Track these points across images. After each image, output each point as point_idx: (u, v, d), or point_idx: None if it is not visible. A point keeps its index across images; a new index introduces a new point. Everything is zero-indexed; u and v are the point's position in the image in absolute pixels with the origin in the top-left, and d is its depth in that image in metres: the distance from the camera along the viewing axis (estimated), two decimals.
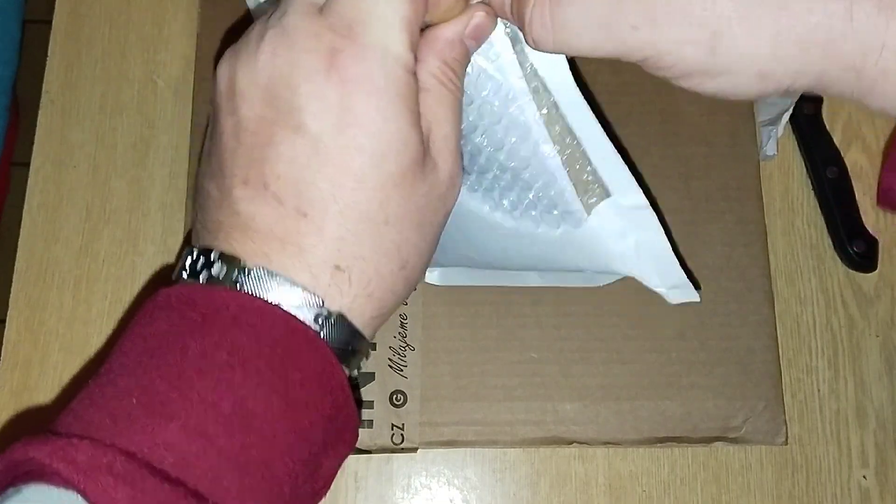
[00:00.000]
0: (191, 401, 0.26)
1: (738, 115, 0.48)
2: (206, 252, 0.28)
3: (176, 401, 0.26)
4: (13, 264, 0.47)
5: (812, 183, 0.50)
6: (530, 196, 0.35)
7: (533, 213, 0.36)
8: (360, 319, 0.29)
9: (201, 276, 0.28)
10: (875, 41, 0.26)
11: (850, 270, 0.48)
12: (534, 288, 0.45)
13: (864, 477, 0.45)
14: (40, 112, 0.49)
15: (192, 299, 0.28)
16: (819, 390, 0.47)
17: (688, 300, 0.36)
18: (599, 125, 0.33)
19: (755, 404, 0.44)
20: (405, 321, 0.44)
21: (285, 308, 0.27)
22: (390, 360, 0.44)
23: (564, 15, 0.28)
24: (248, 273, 0.28)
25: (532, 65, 0.32)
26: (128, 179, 0.48)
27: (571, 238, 0.36)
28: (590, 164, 0.34)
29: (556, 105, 0.33)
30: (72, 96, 0.49)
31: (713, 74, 0.29)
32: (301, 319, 0.27)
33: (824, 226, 0.49)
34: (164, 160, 0.48)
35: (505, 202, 0.36)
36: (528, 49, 0.32)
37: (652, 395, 0.44)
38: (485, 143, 0.34)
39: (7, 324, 0.46)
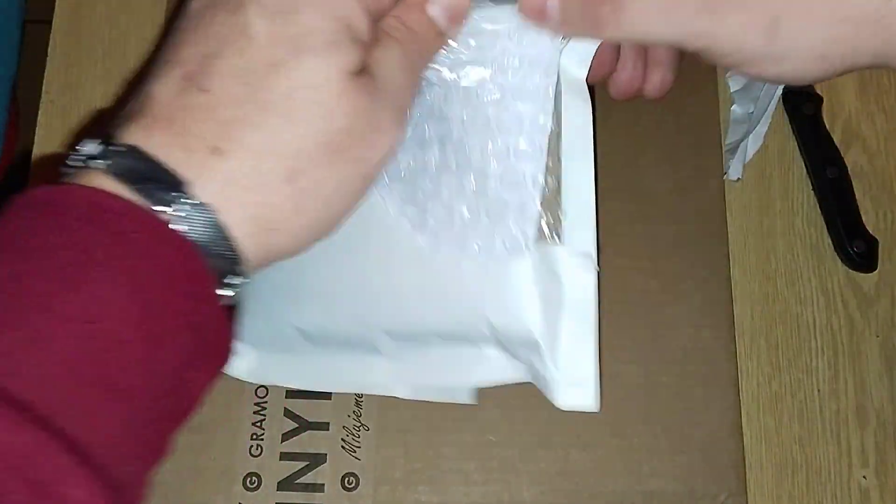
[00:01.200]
0: (25, 305, 0.24)
1: (708, 194, 0.47)
2: (100, 139, 0.27)
3: (9, 307, 0.24)
4: None
5: (812, 183, 0.50)
6: (473, 211, 0.34)
7: (465, 232, 0.34)
8: (231, 218, 0.27)
9: (79, 164, 0.27)
10: None
11: (850, 270, 0.48)
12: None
13: (864, 477, 0.45)
14: (40, 112, 0.49)
15: (43, 198, 0.26)
16: (819, 390, 0.47)
17: (580, 407, 0.33)
18: (593, 177, 0.33)
19: (717, 494, 0.43)
20: (360, 399, 0.43)
21: (144, 194, 0.26)
22: (343, 440, 0.43)
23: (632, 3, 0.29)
24: (116, 153, 0.26)
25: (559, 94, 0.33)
26: None
27: (492, 274, 0.34)
28: (560, 204, 0.33)
29: (558, 135, 0.33)
30: (72, 97, 0.49)
31: (774, 60, 0.29)
32: (160, 212, 0.26)
33: (824, 226, 0.49)
34: None
35: (431, 220, 0.34)
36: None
37: (612, 482, 0.43)
38: (459, 135, 0.33)
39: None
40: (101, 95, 0.50)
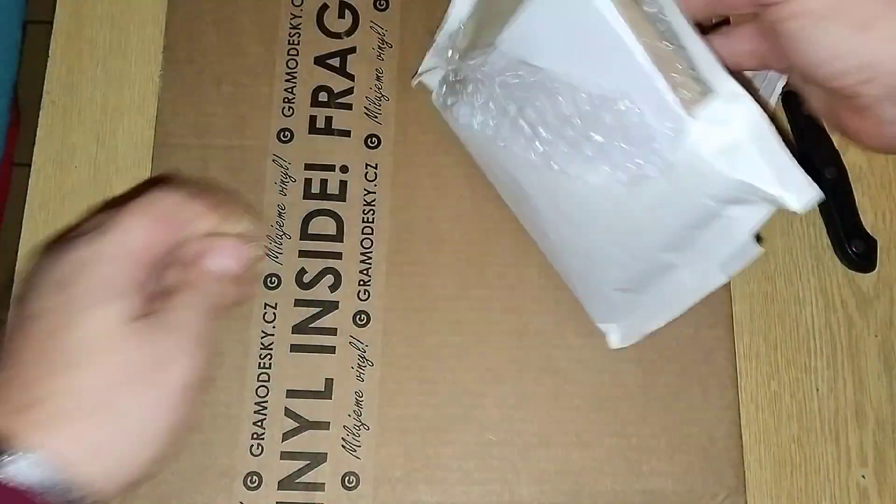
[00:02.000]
0: None
1: None
2: None
3: None
4: (14, 265, 0.47)
5: None
6: (615, 124, 0.34)
7: (622, 146, 0.35)
8: (63, 453, 0.30)
9: None
10: None
11: (849, 270, 0.48)
12: (492, 365, 0.44)
13: (863, 476, 0.45)
14: (41, 113, 0.49)
15: None
16: (818, 390, 0.47)
17: (811, 204, 0.33)
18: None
19: (716, 493, 0.43)
20: (360, 399, 0.44)
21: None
22: (343, 440, 0.43)
23: None
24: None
25: None
26: (129, 180, 0.48)
27: (670, 163, 0.34)
28: (684, 62, 0.33)
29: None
30: (73, 97, 0.50)
31: (821, 16, 0.32)
32: None
33: (823, 226, 0.49)
34: None
35: (588, 151, 0.36)
36: None
37: (612, 482, 0.43)
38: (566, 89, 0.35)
39: (9, 324, 0.46)
40: (101, 96, 0.50)
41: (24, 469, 0.29)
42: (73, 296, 0.33)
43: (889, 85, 0.32)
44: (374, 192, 0.47)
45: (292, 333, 0.44)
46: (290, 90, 0.48)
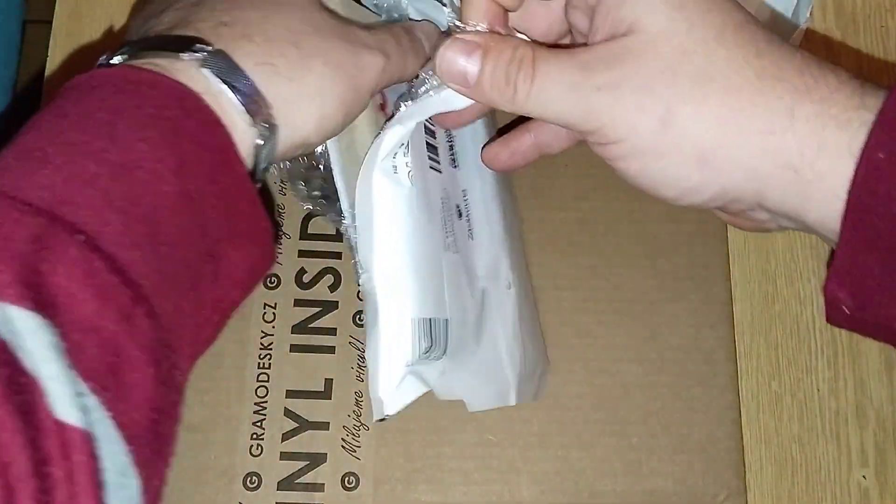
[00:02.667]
0: (67, 150, 0.26)
1: None
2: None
3: (52, 153, 0.26)
4: None
5: None
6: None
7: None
8: (246, 62, 0.29)
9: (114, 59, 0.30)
10: (812, 141, 0.27)
11: None
12: None
13: (864, 477, 0.45)
14: None
15: (80, 82, 0.29)
16: (818, 390, 0.47)
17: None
18: None
19: (717, 494, 0.43)
20: (360, 399, 0.43)
21: (166, 57, 0.29)
22: (343, 440, 0.43)
23: (544, 77, 0.30)
24: (138, 43, 0.30)
25: None
26: None
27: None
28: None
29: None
30: None
31: (658, 155, 0.29)
32: (186, 83, 0.28)
33: None
34: None
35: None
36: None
37: (612, 482, 0.43)
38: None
39: None
40: None
41: (214, 62, 0.29)
42: None
43: (751, 201, 0.30)
44: None
45: (292, 333, 0.44)
46: None
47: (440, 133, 0.40)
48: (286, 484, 0.42)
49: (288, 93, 0.30)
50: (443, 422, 0.44)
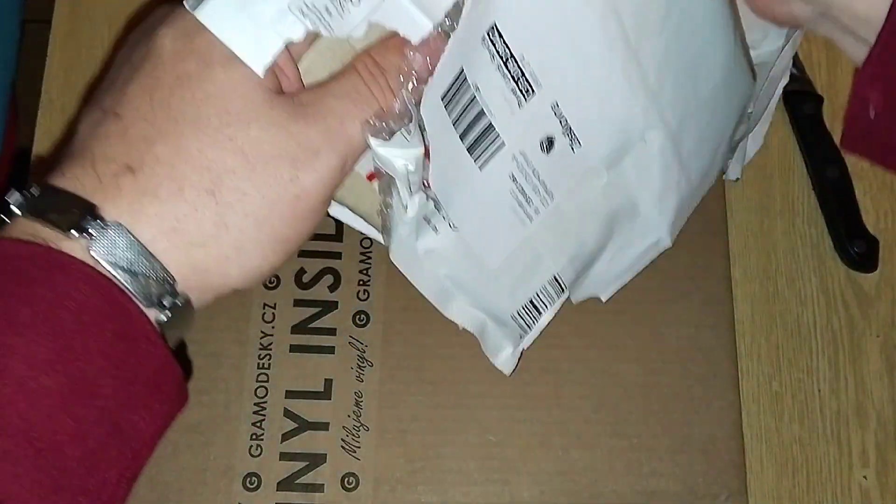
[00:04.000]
0: None
1: (708, 193, 0.45)
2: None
3: None
4: None
5: (812, 183, 0.50)
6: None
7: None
8: (147, 233, 0.25)
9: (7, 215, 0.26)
10: None
11: (851, 270, 0.48)
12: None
13: (865, 477, 0.45)
14: (39, 112, 0.49)
15: None
16: (819, 390, 0.47)
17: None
18: None
19: (717, 494, 0.43)
20: (360, 399, 0.43)
21: (53, 231, 0.24)
22: (343, 440, 0.43)
23: None
24: (29, 196, 0.25)
25: None
26: None
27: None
28: None
29: None
30: (71, 97, 0.49)
31: None
32: (69, 251, 0.24)
33: (824, 226, 0.49)
34: None
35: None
36: None
37: (612, 482, 0.43)
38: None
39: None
40: None
41: (110, 245, 0.25)
42: (202, 43, 0.26)
43: None
44: None
45: (291, 334, 0.44)
46: None
47: None
48: (286, 484, 0.42)
49: (200, 260, 0.26)
50: (443, 422, 0.44)
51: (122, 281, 0.25)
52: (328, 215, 0.32)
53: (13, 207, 0.25)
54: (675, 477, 0.43)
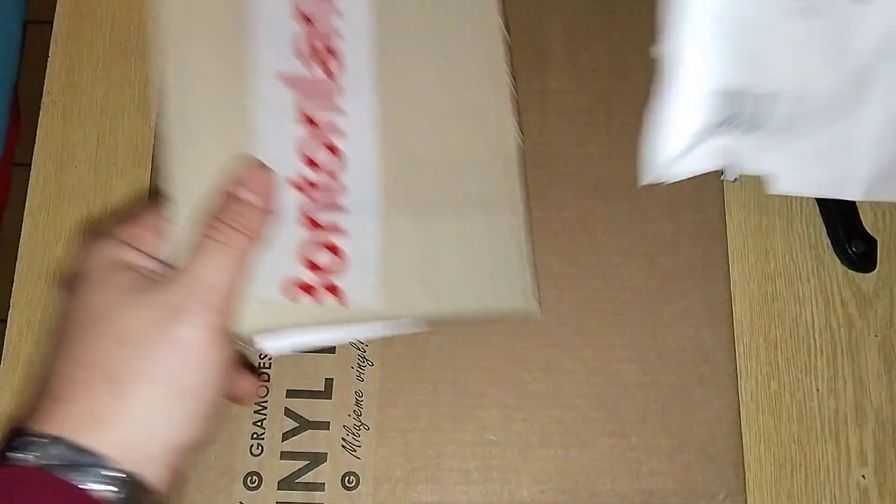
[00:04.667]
0: None
1: (705, 190, 0.47)
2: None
3: None
4: (14, 264, 0.47)
5: None
6: None
7: None
8: (149, 471, 0.30)
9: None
10: None
11: (849, 270, 0.48)
12: (492, 365, 0.44)
13: (863, 476, 0.45)
14: (41, 112, 0.49)
15: None
16: (818, 390, 0.47)
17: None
18: None
19: (716, 493, 0.43)
20: (360, 399, 0.44)
21: (70, 477, 0.29)
22: (343, 440, 0.43)
23: None
24: (43, 444, 0.30)
25: None
26: (129, 180, 0.48)
27: None
28: None
29: None
30: (73, 97, 0.50)
31: None
32: (81, 485, 0.29)
33: (823, 226, 0.49)
34: None
35: None
36: None
37: (611, 482, 0.43)
38: None
39: (8, 324, 0.46)
40: (101, 96, 0.50)
41: (117, 487, 0.30)
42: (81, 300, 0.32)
43: None
44: None
45: None
46: None
47: None
48: (286, 483, 0.42)
49: (128, 438, 0.31)
50: (443, 422, 0.44)
51: (75, 480, 0.29)
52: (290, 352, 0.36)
53: (20, 456, 0.30)
54: (674, 476, 0.43)
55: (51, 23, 0.51)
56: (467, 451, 0.44)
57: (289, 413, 0.43)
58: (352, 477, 0.43)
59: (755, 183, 0.50)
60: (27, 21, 0.69)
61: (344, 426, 0.43)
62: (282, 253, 0.33)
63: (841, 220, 0.48)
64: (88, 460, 0.29)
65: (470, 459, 0.43)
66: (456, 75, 0.37)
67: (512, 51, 0.45)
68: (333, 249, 0.34)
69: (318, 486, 0.42)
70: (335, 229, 0.34)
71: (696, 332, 0.45)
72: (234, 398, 0.36)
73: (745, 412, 0.46)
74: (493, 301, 0.37)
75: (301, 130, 0.34)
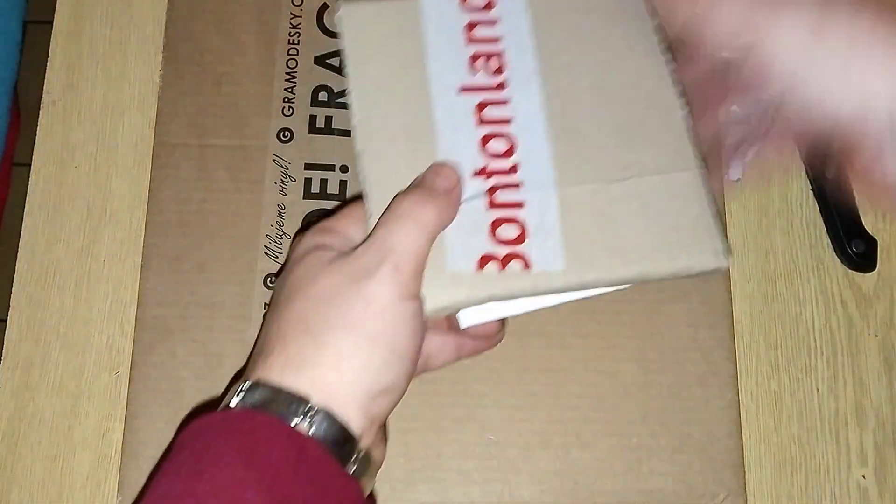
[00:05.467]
0: (167, 495, 0.30)
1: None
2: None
3: (160, 495, 0.30)
4: (14, 264, 0.47)
5: (811, 183, 0.50)
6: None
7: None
8: (349, 413, 0.32)
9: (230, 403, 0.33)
10: None
11: (850, 270, 0.48)
12: (492, 365, 0.44)
13: (863, 476, 0.45)
14: (41, 112, 0.49)
15: (191, 429, 0.32)
16: (818, 390, 0.47)
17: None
18: None
19: (716, 493, 0.43)
20: None
21: (276, 416, 0.31)
22: None
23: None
24: (248, 389, 0.32)
25: None
26: (129, 179, 0.48)
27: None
28: None
29: None
30: (73, 97, 0.50)
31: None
32: (286, 421, 0.31)
33: (823, 226, 0.49)
34: None
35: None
36: None
37: (611, 481, 0.43)
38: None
39: (8, 323, 0.46)
40: (101, 96, 0.50)
41: (319, 423, 0.31)
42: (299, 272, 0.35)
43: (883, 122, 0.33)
44: None
45: None
46: (289, 89, 0.48)
47: None
48: None
49: (374, 411, 0.33)
50: (443, 422, 0.44)
51: (330, 450, 0.31)
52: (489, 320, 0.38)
53: (235, 400, 0.32)
54: (674, 476, 0.43)
55: (51, 22, 0.51)
56: (467, 451, 0.44)
57: None
58: None
59: (755, 183, 0.50)
60: (27, 21, 0.69)
61: None
62: (470, 232, 0.36)
63: (841, 220, 0.48)
64: (290, 399, 0.32)
65: (470, 459, 0.43)
66: (614, 59, 0.41)
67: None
68: (517, 223, 0.37)
69: None
70: (516, 205, 0.37)
71: (696, 332, 0.45)
72: (433, 359, 0.38)
73: (745, 412, 0.46)
74: (680, 259, 0.37)
75: (479, 130, 0.38)
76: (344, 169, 0.47)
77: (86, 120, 0.49)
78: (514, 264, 0.36)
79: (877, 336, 0.47)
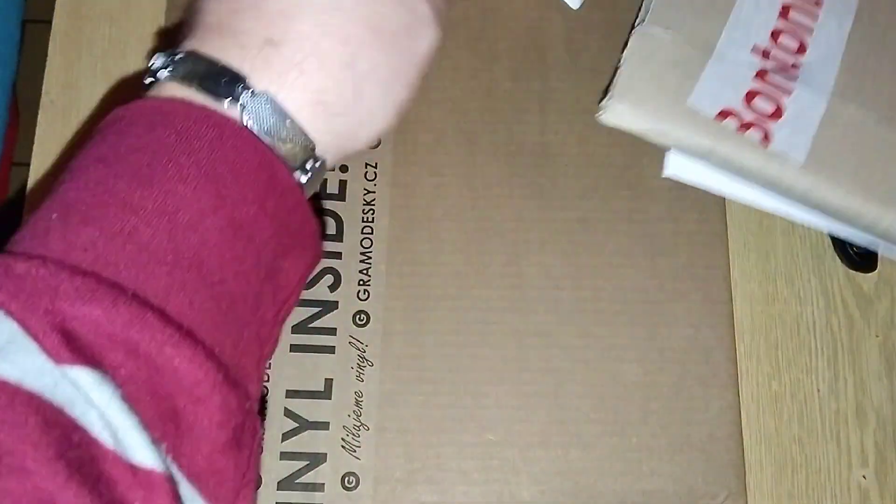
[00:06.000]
0: (106, 204, 0.25)
1: (707, 193, 0.46)
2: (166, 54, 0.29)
3: (92, 207, 0.25)
4: None
5: None
6: None
7: None
8: (292, 103, 0.28)
9: (154, 77, 0.29)
10: None
11: (850, 270, 0.48)
12: (492, 365, 0.44)
13: (864, 477, 0.45)
14: (40, 112, 0.49)
15: (119, 114, 0.28)
16: (819, 390, 0.47)
17: None
18: None
19: (717, 494, 0.43)
20: (360, 399, 0.43)
21: (205, 97, 0.27)
22: (343, 440, 0.43)
23: None
24: (179, 61, 0.28)
25: None
26: None
27: None
28: None
29: None
30: (72, 96, 0.49)
31: None
32: (222, 112, 0.27)
33: None
34: None
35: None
36: None
37: (611, 482, 0.43)
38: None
39: None
40: (101, 95, 0.50)
41: (257, 112, 0.27)
42: None
43: None
44: (374, 192, 0.47)
45: (292, 333, 0.44)
46: None
47: None
48: (286, 484, 0.42)
49: (339, 128, 0.29)
50: (443, 422, 0.44)
51: (271, 145, 0.27)
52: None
53: (164, 71, 0.28)
54: (675, 477, 0.43)
55: (50, 22, 0.50)
56: (467, 451, 0.43)
57: (288, 413, 0.43)
58: (351, 477, 0.43)
59: None
60: (25, 20, 0.69)
61: (343, 426, 0.43)
62: (727, 84, 0.35)
63: None
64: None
65: (470, 459, 0.43)
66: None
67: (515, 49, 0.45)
68: (777, 103, 0.36)
69: (318, 487, 0.42)
70: (785, 90, 0.37)
71: (696, 332, 0.45)
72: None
73: (746, 412, 0.46)
74: None
75: (777, 22, 0.38)
76: (343, 168, 0.47)
77: (85, 120, 0.49)
78: (754, 133, 0.35)
79: (878, 336, 0.47)
